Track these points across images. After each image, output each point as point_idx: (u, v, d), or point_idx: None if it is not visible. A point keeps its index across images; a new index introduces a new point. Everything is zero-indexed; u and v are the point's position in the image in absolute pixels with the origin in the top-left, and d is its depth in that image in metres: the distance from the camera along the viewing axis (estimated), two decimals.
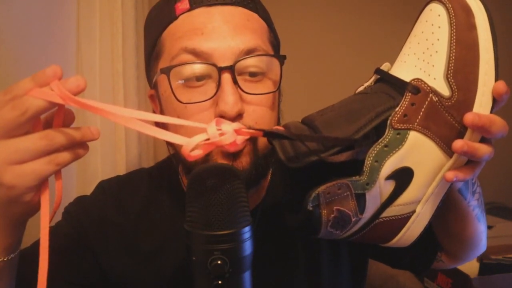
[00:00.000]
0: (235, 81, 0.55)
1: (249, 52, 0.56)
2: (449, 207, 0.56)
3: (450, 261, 0.69)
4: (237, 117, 0.54)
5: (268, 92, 0.57)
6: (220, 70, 0.54)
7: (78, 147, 0.42)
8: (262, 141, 0.58)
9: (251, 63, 0.56)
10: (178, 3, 0.58)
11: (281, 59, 0.58)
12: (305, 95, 1.81)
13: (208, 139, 0.42)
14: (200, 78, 0.56)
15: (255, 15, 0.60)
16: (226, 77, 0.54)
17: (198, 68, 0.55)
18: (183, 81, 0.56)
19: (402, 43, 0.50)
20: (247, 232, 0.43)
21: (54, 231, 0.64)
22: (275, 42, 0.63)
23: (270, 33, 0.62)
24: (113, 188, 0.71)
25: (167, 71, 0.56)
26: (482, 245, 0.65)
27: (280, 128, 0.46)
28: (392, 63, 0.51)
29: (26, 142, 0.39)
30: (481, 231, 0.63)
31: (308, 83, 1.89)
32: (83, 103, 0.39)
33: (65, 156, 0.41)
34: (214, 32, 0.55)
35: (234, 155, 0.55)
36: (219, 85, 0.54)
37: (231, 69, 0.54)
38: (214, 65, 0.54)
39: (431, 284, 1.46)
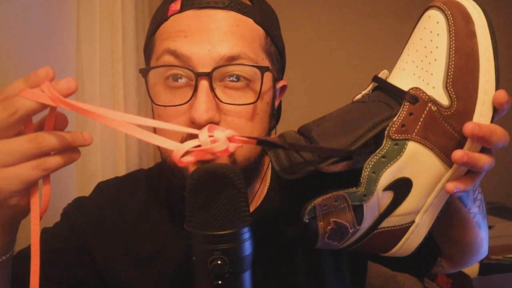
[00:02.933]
0: (212, 89, 0.53)
1: (231, 59, 0.54)
2: (449, 214, 0.55)
3: (450, 266, 0.68)
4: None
5: (243, 104, 0.55)
6: (197, 76, 0.53)
7: (69, 152, 0.41)
8: (242, 153, 0.56)
9: (230, 70, 0.54)
10: (173, 3, 0.57)
11: (262, 70, 0.55)
12: (305, 95, 1.81)
13: (199, 146, 0.42)
14: (180, 80, 0.55)
15: (249, 21, 0.57)
16: (203, 83, 0.53)
17: (177, 70, 0.54)
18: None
19: (402, 43, 0.50)
20: (246, 232, 0.43)
21: (52, 232, 0.64)
22: (272, 49, 0.60)
23: (266, 40, 0.59)
24: (112, 190, 0.71)
25: (144, 72, 0.56)
26: (483, 251, 0.65)
27: (275, 138, 0.46)
28: (392, 65, 0.50)
29: (13, 144, 0.38)
30: (482, 238, 0.62)
31: (309, 84, 1.89)
32: (73, 105, 0.39)
33: (53, 161, 0.40)
34: (196, 36, 0.54)
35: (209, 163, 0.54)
36: (195, 91, 0.53)
37: (208, 75, 0.53)
38: (191, 70, 0.53)
39: (431, 284, 1.46)
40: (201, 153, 0.42)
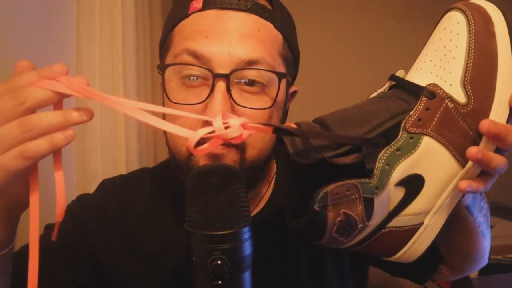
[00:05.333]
0: (228, 90, 0.53)
1: (250, 63, 0.54)
2: (455, 222, 0.55)
3: (451, 273, 0.68)
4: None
5: (260, 108, 0.55)
6: (215, 76, 0.53)
7: (59, 134, 0.38)
8: (252, 153, 0.57)
9: (248, 74, 0.55)
10: (194, 1, 0.57)
11: (280, 76, 0.56)
12: (307, 97, 1.80)
13: (213, 132, 0.42)
14: (197, 77, 0.55)
15: (269, 25, 0.58)
16: (220, 85, 0.53)
17: (195, 70, 0.55)
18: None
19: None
20: (247, 232, 0.43)
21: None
22: (288, 55, 0.61)
23: (284, 45, 0.59)
24: (116, 188, 0.70)
25: (163, 68, 0.56)
26: (484, 260, 0.65)
27: (292, 125, 0.45)
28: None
29: (1, 131, 0.37)
30: (484, 247, 0.62)
31: (311, 85, 1.88)
32: (95, 93, 0.39)
33: (37, 148, 0.37)
34: (217, 37, 0.54)
35: (219, 158, 0.55)
36: (211, 91, 0.53)
37: (226, 77, 0.53)
38: (210, 70, 0.53)
39: (431, 284, 1.46)
40: (215, 140, 0.42)
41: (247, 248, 0.43)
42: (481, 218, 0.58)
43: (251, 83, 0.55)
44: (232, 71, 0.53)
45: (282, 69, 0.59)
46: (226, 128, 0.42)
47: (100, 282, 0.65)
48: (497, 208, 1.71)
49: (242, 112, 0.55)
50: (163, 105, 0.61)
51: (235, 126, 0.42)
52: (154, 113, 0.41)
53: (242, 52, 0.54)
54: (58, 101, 0.40)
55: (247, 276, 0.43)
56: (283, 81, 0.57)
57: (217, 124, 0.42)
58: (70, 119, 0.39)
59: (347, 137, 0.43)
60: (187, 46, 0.55)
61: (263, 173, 0.63)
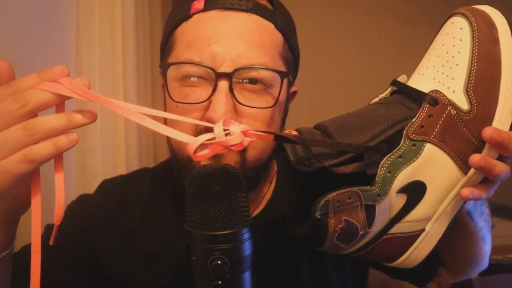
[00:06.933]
0: (231, 90, 0.54)
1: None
2: (456, 227, 0.55)
3: (451, 276, 0.68)
4: None
5: (262, 107, 0.56)
6: (218, 76, 0.53)
7: (63, 137, 0.38)
8: (253, 154, 0.57)
9: (250, 74, 0.55)
10: (195, 1, 0.57)
11: (283, 76, 0.56)
12: (308, 98, 1.80)
13: (213, 138, 0.42)
14: (199, 77, 0.55)
15: (270, 26, 0.58)
16: (222, 84, 0.53)
17: (197, 69, 0.55)
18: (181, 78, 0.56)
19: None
20: (246, 232, 0.43)
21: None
22: (289, 56, 0.61)
23: (284, 46, 0.60)
24: (117, 188, 0.70)
25: (165, 68, 0.56)
26: (484, 263, 0.65)
27: (294, 132, 0.45)
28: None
29: (6, 134, 0.37)
30: (485, 252, 0.63)
31: (312, 86, 1.89)
32: (96, 96, 0.39)
33: (41, 151, 0.37)
34: (221, 43, 0.54)
35: (220, 158, 0.55)
36: (214, 90, 0.53)
37: (229, 76, 0.53)
38: (212, 69, 0.53)
39: (431, 284, 1.46)
40: (216, 146, 0.42)
41: (247, 248, 0.43)
42: (482, 223, 0.58)
43: (253, 82, 0.55)
44: (235, 70, 0.53)
45: (283, 69, 0.59)
46: (226, 134, 0.42)
47: (100, 282, 0.65)
48: (497, 208, 1.71)
49: (244, 111, 0.55)
50: (164, 105, 0.61)
51: (236, 133, 0.42)
52: (155, 117, 0.41)
53: (244, 59, 0.54)
54: (59, 103, 0.39)
55: (247, 276, 0.43)
56: (285, 81, 0.57)
57: (218, 131, 0.42)
58: (73, 121, 0.39)
59: (349, 145, 0.43)
60: (191, 57, 0.55)
61: (264, 173, 0.63)
